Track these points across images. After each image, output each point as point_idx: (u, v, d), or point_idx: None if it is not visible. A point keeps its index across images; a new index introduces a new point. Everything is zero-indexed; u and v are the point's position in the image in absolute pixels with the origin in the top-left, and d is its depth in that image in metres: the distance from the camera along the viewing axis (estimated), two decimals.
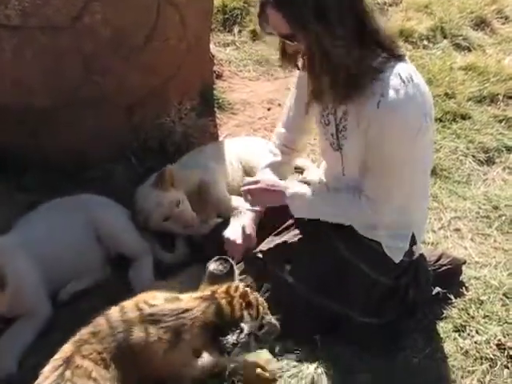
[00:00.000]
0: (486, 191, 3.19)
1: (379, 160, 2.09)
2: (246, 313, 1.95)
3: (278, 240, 2.40)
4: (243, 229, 2.47)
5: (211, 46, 3.97)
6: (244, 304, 1.97)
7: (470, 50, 4.46)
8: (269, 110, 3.78)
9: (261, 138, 3.38)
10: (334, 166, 2.29)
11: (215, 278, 2.05)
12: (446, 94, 3.82)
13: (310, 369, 2.15)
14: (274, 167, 2.49)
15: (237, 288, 2.01)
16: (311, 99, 2.15)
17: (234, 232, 2.49)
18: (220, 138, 3.46)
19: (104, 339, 1.92)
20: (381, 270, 2.27)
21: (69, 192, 2.80)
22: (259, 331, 1.99)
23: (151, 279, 2.60)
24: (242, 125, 3.62)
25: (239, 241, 2.45)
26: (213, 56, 4.00)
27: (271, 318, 2.04)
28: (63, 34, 2.77)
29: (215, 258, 2.08)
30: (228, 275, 2.05)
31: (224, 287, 2.01)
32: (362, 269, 2.27)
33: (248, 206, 2.49)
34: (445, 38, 4.55)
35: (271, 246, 2.39)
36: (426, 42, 4.46)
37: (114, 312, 2.00)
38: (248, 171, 3.03)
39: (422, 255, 2.44)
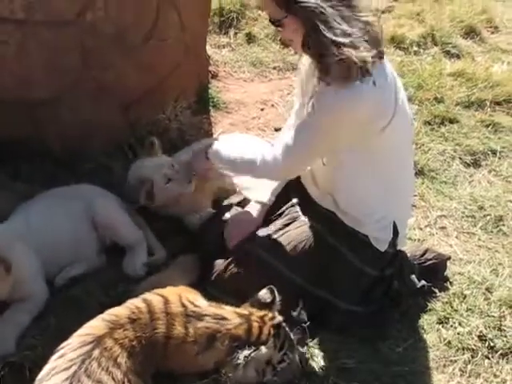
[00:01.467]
0: (471, 192, 3.28)
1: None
2: (271, 341, 2.08)
3: (268, 228, 2.48)
4: (247, 219, 2.55)
5: (207, 47, 4.05)
6: (272, 333, 2.09)
7: (459, 58, 4.56)
8: (262, 110, 3.88)
9: (254, 136, 3.46)
10: None
11: (257, 303, 2.18)
12: (436, 99, 3.92)
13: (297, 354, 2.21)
14: None
15: (272, 318, 2.14)
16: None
17: (237, 221, 2.56)
18: (214, 136, 3.53)
19: (142, 328, 1.99)
20: (366, 260, 2.35)
21: (66, 183, 2.87)
22: (278, 364, 2.10)
23: (144, 268, 2.66)
24: (236, 123, 3.71)
25: (241, 230, 2.52)
26: (209, 57, 4.08)
27: (295, 358, 2.15)
28: (66, 30, 2.85)
29: (267, 287, 2.19)
30: (269, 305, 2.18)
31: (261, 313, 2.14)
32: (348, 258, 2.35)
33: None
34: (435, 45, 4.66)
35: (261, 234, 2.47)
36: (416, 49, 4.56)
37: (157, 302, 2.08)
38: None
39: (404, 252, 2.52)
